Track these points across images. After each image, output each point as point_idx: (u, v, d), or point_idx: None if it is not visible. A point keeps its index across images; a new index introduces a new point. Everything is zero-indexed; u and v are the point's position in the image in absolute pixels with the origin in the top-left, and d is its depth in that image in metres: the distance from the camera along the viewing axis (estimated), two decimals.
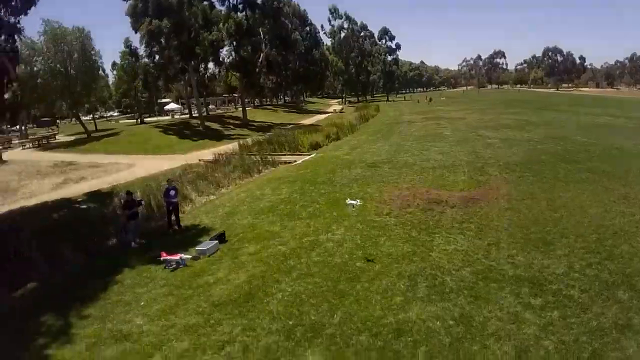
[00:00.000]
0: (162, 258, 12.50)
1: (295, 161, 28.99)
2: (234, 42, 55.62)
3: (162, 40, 47.78)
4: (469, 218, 14.07)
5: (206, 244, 13.22)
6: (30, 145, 48.11)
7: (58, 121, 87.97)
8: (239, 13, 56.76)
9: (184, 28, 47.37)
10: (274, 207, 17.42)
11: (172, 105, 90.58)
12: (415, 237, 12.84)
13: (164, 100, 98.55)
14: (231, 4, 57.28)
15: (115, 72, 79.54)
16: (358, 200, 13.66)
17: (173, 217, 16.39)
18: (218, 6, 58.27)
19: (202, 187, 22.59)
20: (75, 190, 25.08)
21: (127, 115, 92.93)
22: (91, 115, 73.99)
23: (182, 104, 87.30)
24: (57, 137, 53.58)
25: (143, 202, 16.15)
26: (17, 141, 52.63)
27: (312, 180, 21.56)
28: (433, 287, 9.62)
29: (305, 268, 11.31)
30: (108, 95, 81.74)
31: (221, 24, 54.21)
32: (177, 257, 12.39)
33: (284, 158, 30.46)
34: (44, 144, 48.08)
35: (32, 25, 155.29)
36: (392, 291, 9.70)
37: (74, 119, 70.21)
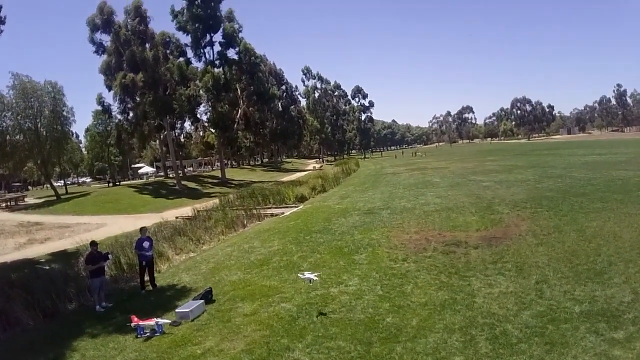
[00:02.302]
0: (132, 324, 9.64)
1: (282, 213, 26.68)
2: (211, 98, 54.21)
3: (137, 96, 45.99)
4: (500, 257, 12.26)
5: (189, 305, 10.44)
6: None
7: (30, 187, 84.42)
8: (215, 69, 55.95)
9: (160, 83, 45.93)
10: (267, 260, 14.86)
11: (147, 169, 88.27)
12: (448, 283, 10.67)
13: (137, 165, 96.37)
14: (208, 60, 56.49)
15: (87, 136, 77.48)
16: (316, 274, 10.94)
17: (147, 277, 13.61)
18: (194, 62, 57.78)
19: (180, 244, 19.84)
20: (39, 250, 22.29)
21: (99, 181, 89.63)
22: (63, 181, 70.96)
23: (157, 167, 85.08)
24: (25, 199, 50.13)
25: (110, 256, 13.16)
26: None
27: (306, 230, 19.21)
28: (496, 340, 7.50)
29: (322, 329, 8.70)
30: (80, 159, 78.88)
31: (198, 80, 53.04)
32: (151, 322, 9.57)
33: (269, 211, 28.16)
34: (12, 206, 44.65)
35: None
36: (445, 350, 7.35)
37: (45, 185, 66.90)
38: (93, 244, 12.48)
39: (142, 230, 13.96)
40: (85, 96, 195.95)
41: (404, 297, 9.92)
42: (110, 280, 14.53)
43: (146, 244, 13.44)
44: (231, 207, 29.44)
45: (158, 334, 9.35)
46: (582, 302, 8.56)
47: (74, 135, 73.20)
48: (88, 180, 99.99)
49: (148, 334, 9.41)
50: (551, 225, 15.17)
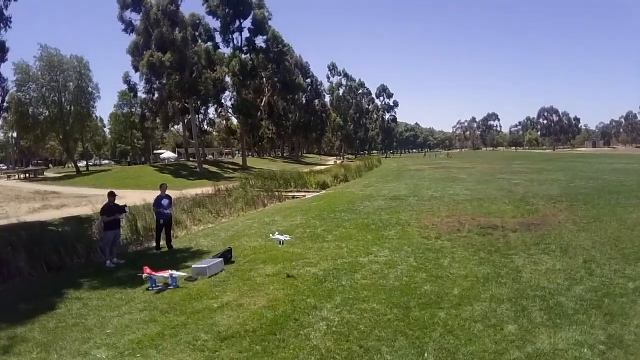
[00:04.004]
0: (144, 275, 8.89)
1: (304, 196, 25.92)
2: (237, 83, 53.60)
3: (163, 77, 45.58)
4: (541, 240, 11.44)
5: (207, 262, 9.68)
6: (17, 177, 44.55)
7: (51, 166, 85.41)
8: (242, 55, 55.38)
9: (187, 65, 45.32)
10: (290, 231, 13.97)
11: (168, 154, 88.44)
12: (489, 259, 9.79)
13: (159, 151, 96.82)
14: (236, 46, 55.89)
15: (111, 119, 77.96)
16: (287, 236, 10.47)
17: (162, 242, 12.93)
18: (222, 47, 57.27)
19: (199, 215, 19.24)
20: (53, 215, 21.53)
21: (120, 164, 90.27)
22: (85, 162, 71.57)
23: (179, 153, 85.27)
24: (45, 173, 50.08)
25: (127, 209, 12.43)
26: (3, 174, 49.12)
27: (329, 209, 18.39)
28: (550, 310, 6.78)
29: (352, 292, 7.86)
30: (102, 141, 79.34)
31: (225, 65, 52.51)
32: (165, 273, 8.83)
33: (291, 193, 27.42)
34: (30, 177, 44.55)
35: (28, 50, 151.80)
36: (496, 318, 6.51)
37: (67, 165, 67.20)
38: (111, 194, 11.75)
39: (162, 187, 13.27)
40: (110, 82, 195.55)
41: (442, 269, 9.04)
42: (124, 243, 13.90)
43: (165, 202, 12.74)
44: (252, 187, 28.76)
45: (171, 287, 8.60)
46: (635, 280, 8.03)
47: (98, 119, 73.53)
48: (111, 163, 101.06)
49: (160, 287, 8.67)
50: (590, 215, 14.42)
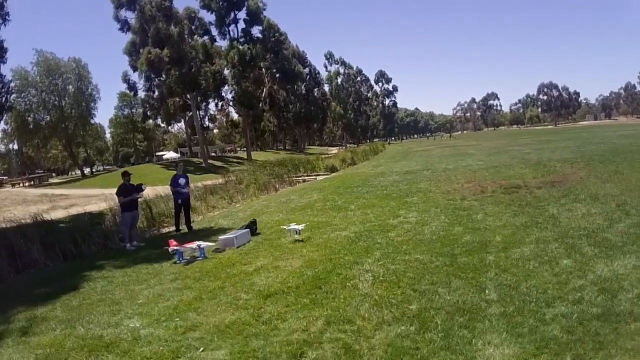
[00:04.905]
0: (170, 248, 8.60)
1: (315, 179, 25.61)
2: (237, 74, 53.04)
3: (163, 73, 45.14)
4: (569, 192, 11.20)
5: (233, 233, 9.38)
6: (21, 184, 44.13)
7: (54, 175, 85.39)
8: (240, 46, 54.91)
9: (185, 59, 44.89)
10: (309, 205, 13.78)
11: (171, 154, 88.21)
12: (522, 211, 9.52)
13: (161, 153, 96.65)
14: (232, 38, 55.43)
15: (111, 124, 77.70)
16: (302, 225, 9.55)
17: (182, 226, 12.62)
18: (219, 40, 56.99)
19: (212, 202, 18.92)
20: (63, 214, 21.21)
21: (125, 167, 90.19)
22: (89, 169, 71.51)
23: (181, 153, 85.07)
24: (49, 180, 49.68)
25: (144, 187, 12.05)
26: (8, 184, 48.70)
27: (345, 186, 18.09)
28: (599, 244, 6.65)
29: (390, 247, 7.58)
30: (104, 146, 79.12)
31: (223, 57, 52.06)
32: (193, 245, 8.51)
33: (301, 178, 27.16)
34: (36, 184, 44.13)
35: (25, 56, 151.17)
36: (547, 256, 6.34)
37: (71, 173, 66.96)
38: (125, 174, 11.34)
39: (178, 166, 12.95)
40: (106, 90, 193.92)
41: (477, 223, 8.75)
42: (141, 231, 13.54)
43: (182, 181, 12.37)
44: (262, 173, 28.47)
45: (200, 259, 8.30)
46: None
47: (98, 125, 73.40)
48: (115, 167, 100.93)
49: (188, 259, 8.37)
50: (610, 170, 14.31)
